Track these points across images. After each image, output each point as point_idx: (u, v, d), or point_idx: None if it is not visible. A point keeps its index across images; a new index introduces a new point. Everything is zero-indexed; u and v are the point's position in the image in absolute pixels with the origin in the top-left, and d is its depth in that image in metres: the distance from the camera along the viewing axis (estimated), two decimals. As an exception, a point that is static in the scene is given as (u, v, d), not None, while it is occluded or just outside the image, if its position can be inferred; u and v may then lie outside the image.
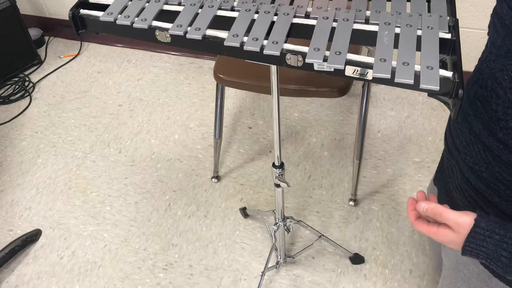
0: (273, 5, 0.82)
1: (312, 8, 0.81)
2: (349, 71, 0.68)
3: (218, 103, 1.65)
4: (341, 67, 0.68)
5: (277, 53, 0.71)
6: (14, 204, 1.78)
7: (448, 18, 0.76)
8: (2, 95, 2.22)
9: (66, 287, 1.53)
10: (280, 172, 1.16)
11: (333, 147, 1.88)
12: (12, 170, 1.90)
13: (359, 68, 0.68)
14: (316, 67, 0.70)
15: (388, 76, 0.66)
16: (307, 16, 0.80)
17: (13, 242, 1.60)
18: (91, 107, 2.14)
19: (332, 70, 0.69)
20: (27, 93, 2.22)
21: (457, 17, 0.78)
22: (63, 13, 2.44)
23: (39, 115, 2.12)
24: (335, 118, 2.00)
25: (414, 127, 1.93)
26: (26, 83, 2.27)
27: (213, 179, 1.80)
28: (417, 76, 0.65)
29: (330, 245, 1.57)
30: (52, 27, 2.49)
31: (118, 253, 1.61)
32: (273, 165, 1.15)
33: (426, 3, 0.80)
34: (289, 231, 1.38)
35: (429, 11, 0.79)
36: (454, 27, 0.74)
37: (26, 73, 2.32)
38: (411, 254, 1.54)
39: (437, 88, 0.63)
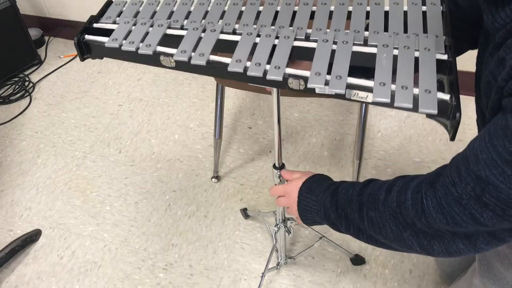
0: (273, 27, 0.83)
1: (312, 29, 0.81)
2: (350, 94, 0.70)
3: (218, 103, 1.65)
4: (342, 91, 0.69)
5: (280, 78, 0.73)
6: (14, 204, 1.78)
7: (444, 37, 0.77)
8: (2, 95, 2.22)
9: (66, 287, 1.53)
10: (280, 173, 1.16)
11: (333, 147, 1.88)
12: (12, 170, 1.90)
13: (359, 92, 0.69)
14: (317, 91, 0.71)
15: (388, 100, 0.67)
16: (307, 38, 0.81)
17: (13, 242, 1.60)
18: (91, 107, 2.14)
19: (334, 94, 0.70)
20: (27, 93, 2.22)
21: None
22: (63, 13, 2.44)
23: (39, 115, 2.12)
24: (335, 118, 2.00)
25: (414, 127, 1.93)
26: (26, 83, 2.27)
27: (213, 179, 1.80)
28: (415, 99, 0.67)
29: (330, 246, 1.57)
30: (52, 27, 2.49)
31: (118, 253, 1.61)
32: (274, 166, 1.15)
33: (422, 22, 0.81)
34: (290, 233, 1.37)
35: (425, 28, 0.80)
36: (450, 47, 0.75)
37: (26, 73, 2.32)
38: (411, 254, 1.54)
39: (435, 112, 0.65)
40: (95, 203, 1.76)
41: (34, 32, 2.42)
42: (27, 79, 2.29)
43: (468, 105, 1.95)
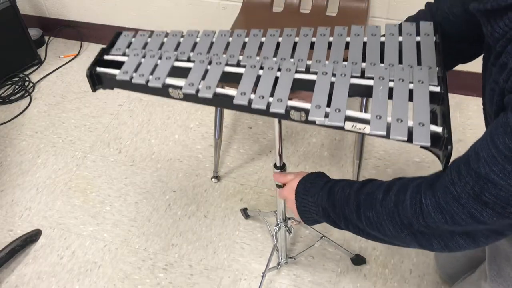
0: (275, 59, 0.86)
1: (312, 61, 0.85)
2: (348, 126, 0.74)
3: (218, 103, 1.65)
4: (340, 124, 0.73)
5: (282, 111, 0.76)
6: (14, 204, 1.78)
7: (437, 69, 0.80)
8: (2, 95, 2.21)
9: (66, 287, 1.53)
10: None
11: (333, 147, 1.88)
12: (12, 170, 1.90)
13: (357, 124, 0.73)
14: (318, 123, 0.75)
15: (384, 133, 0.71)
16: (307, 69, 0.84)
17: (13, 242, 1.60)
18: (91, 107, 2.14)
19: (333, 126, 0.74)
20: (27, 93, 2.22)
21: None
22: (63, 13, 2.43)
23: (39, 115, 2.12)
24: (335, 118, 1.99)
25: (414, 127, 1.93)
26: (26, 83, 2.27)
27: (213, 179, 1.80)
28: (410, 132, 0.70)
29: (330, 245, 1.57)
30: (52, 27, 2.49)
31: (118, 253, 1.61)
32: (275, 166, 1.16)
33: (416, 52, 0.84)
34: (291, 232, 1.38)
35: (419, 57, 0.83)
36: (442, 79, 0.78)
37: (26, 73, 2.32)
38: (411, 254, 1.54)
39: (428, 144, 0.69)
40: (95, 203, 1.76)
41: (34, 32, 2.42)
42: (27, 79, 2.29)
43: (468, 105, 1.95)
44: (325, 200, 0.84)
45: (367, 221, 0.77)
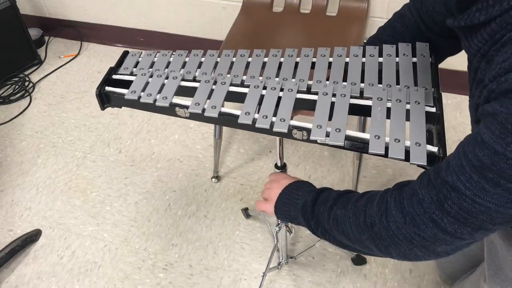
0: (277, 79, 0.89)
1: (313, 82, 0.87)
2: (348, 145, 0.78)
3: (218, 103, 1.65)
4: (341, 144, 0.76)
5: (285, 130, 0.79)
6: (14, 204, 1.78)
7: (433, 89, 0.83)
8: (2, 95, 2.21)
9: (66, 287, 1.53)
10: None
11: (333, 147, 1.88)
12: (12, 170, 1.90)
13: (357, 143, 0.76)
14: (319, 142, 0.78)
15: (382, 152, 0.74)
16: (308, 89, 0.87)
17: (13, 242, 1.60)
18: (91, 107, 2.14)
19: (334, 144, 0.77)
20: (27, 93, 2.22)
21: None
22: (63, 13, 2.43)
23: (39, 115, 2.12)
24: (335, 118, 1.99)
25: (414, 127, 1.93)
26: (26, 83, 2.27)
27: (213, 179, 1.80)
28: (407, 151, 0.74)
29: (331, 245, 1.57)
30: (52, 27, 2.49)
31: (118, 253, 1.61)
32: (276, 166, 1.16)
33: (413, 72, 0.87)
34: (291, 232, 1.38)
35: (416, 77, 0.86)
36: (438, 100, 0.81)
37: (26, 73, 2.32)
38: (411, 254, 1.54)
39: (425, 163, 0.72)
40: (95, 203, 1.76)
41: (34, 32, 2.42)
42: (27, 79, 2.29)
43: (468, 105, 1.95)
44: (311, 196, 0.84)
45: (334, 221, 0.77)
